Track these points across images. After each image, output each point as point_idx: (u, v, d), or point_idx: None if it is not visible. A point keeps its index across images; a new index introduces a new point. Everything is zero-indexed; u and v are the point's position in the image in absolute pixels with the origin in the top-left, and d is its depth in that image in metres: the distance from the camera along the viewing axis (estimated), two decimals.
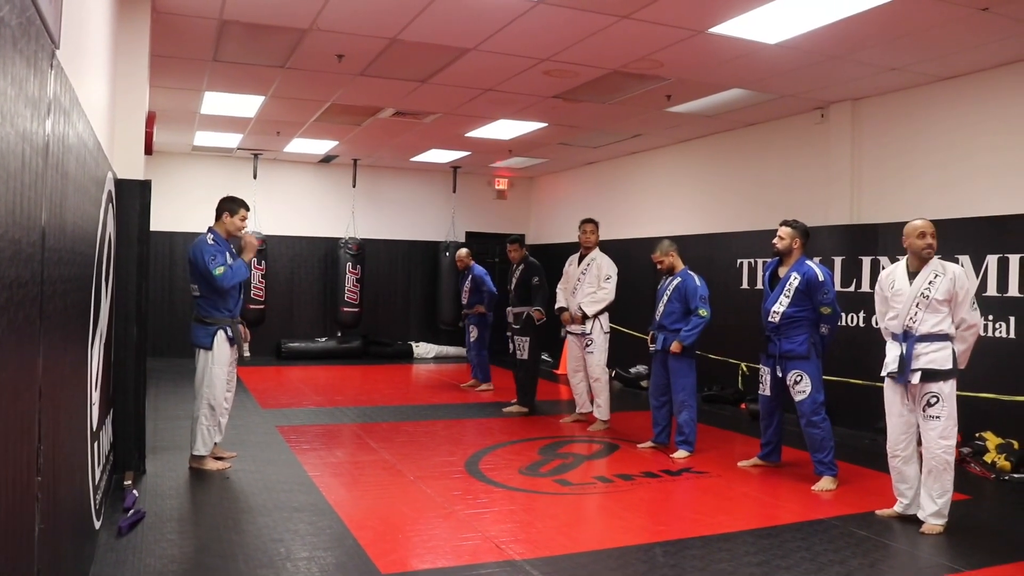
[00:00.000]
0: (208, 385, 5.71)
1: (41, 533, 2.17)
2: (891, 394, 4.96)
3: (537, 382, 8.61)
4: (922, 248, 4.84)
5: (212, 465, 5.74)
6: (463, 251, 10.33)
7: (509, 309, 8.57)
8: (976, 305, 4.80)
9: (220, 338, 5.73)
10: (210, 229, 5.83)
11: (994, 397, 6.48)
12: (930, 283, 4.77)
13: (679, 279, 6.73)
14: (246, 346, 6.00)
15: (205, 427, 5.72)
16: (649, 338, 6.89)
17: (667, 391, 6.77)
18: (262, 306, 12.14)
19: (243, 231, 5.96)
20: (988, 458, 6.23)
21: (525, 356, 8.40)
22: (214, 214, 5.93)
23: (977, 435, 6.43)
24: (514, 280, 8.56)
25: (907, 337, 4.85)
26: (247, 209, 5.97)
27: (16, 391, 1.77)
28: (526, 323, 8.34)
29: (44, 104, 2.06)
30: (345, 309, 13.01)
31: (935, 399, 4.73)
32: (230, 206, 5.90)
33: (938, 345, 4.75)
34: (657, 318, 6.80)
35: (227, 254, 5.74)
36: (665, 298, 6.76)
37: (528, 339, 8.33)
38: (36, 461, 2.10)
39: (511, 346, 8.62)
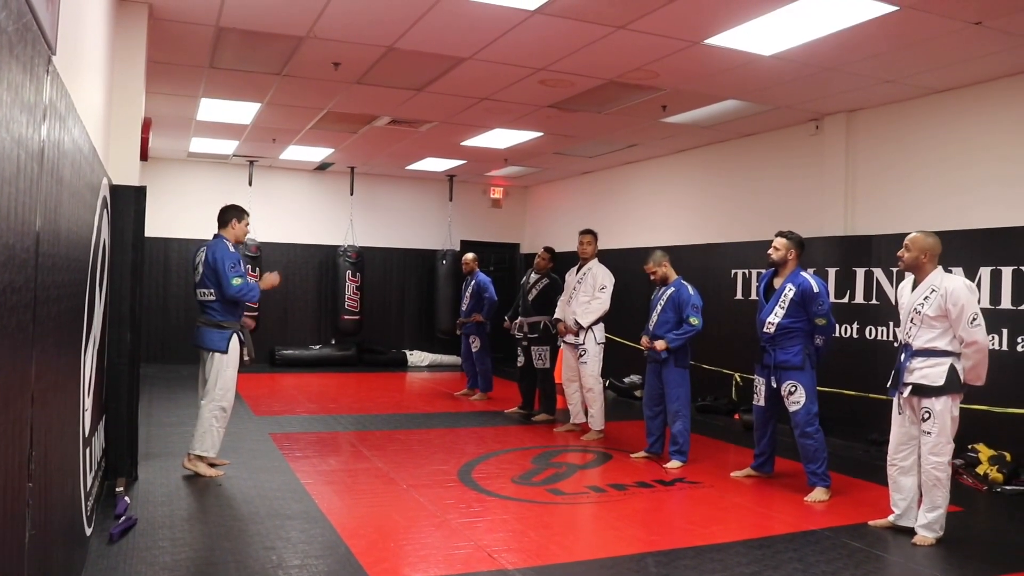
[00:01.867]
0: (222, 388, 5.77)
1: (32, 539, 2.16)
2: (894, 404, 4.98)
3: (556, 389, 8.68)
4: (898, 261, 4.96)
5: (206, 471, 5.73)
6: (469, 255, 10.32)
7: (522, 319, 8.57)
8: (979, 322, 4.66)
9: (235, 342, 5.81)
10: (220, 236, 5.89)
11: (987, 409, 6.49)
12: (925, 298, 4.77)
13: (672, 289, 6.74)
14: (248, 350, 6.04)
15: (217, 428, 5.78)
16: (642, 341, 6.87)
17: (661, 401, 6.77)
18: (256, 313, 12.10)
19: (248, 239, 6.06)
20: (981, 470, 6.24)
21: (547, 365, 8.43)
22: (217, 222, 6.00)
23: (970, 447, 6.44)
24: (534, 291, 8.57)
25: (905, 350, 4.87)
26: (248, 215, 6.14)
27: (8, 396, 1.77)
28: (544, 332, 8.37)
29: (40, 110, 2.06)
30: (346, 317, 13.00)
31: (927, 415, 4.72)
32: (238, 213, 6.04)
33: (933, 361, 4.73)
34: (651, 327, 6.81)
35: (241, 262, 5.84)
36: (659, 308, 6.77)
37: (548, 348, 8.37)
38: (27, 467, 2.10)
39: (522, 356, 8.62)
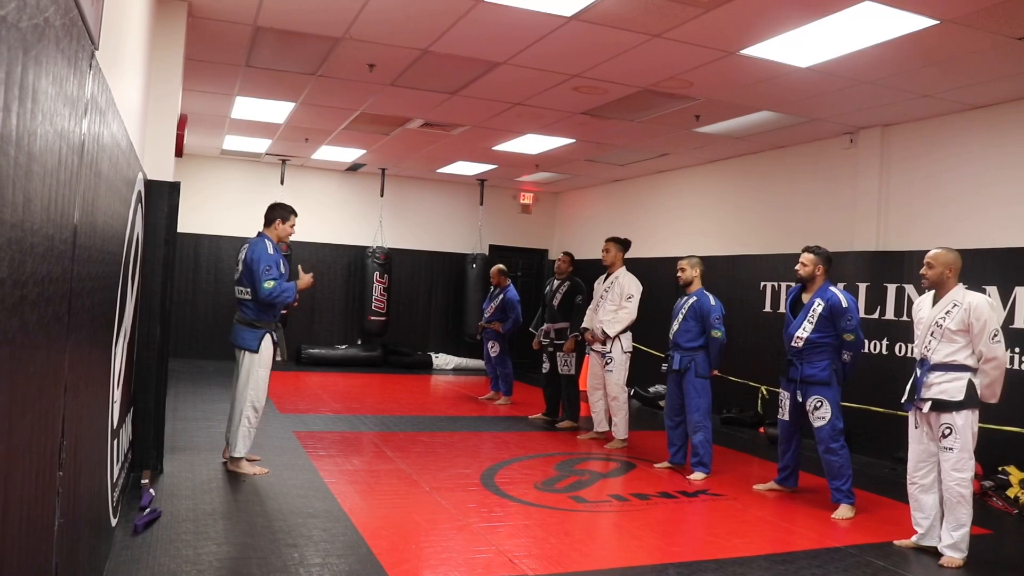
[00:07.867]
0: (253, 388, 5.77)
1: (60, 527, 2.19)
2: (910, 419, 4.95)
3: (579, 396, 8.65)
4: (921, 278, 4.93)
5: (248, 469, 5.77)
6: (496, 268, 10.30)
7: (549, 325, 8.55)
8: (999, 338, 4.64)
9: (267, 342, 5.82)
10: (262, 235, 5.91)
11: (1018, 431, 6.39)
12: (947, 312, 4.74)
13: (694, 298, 6.71)
14: (281, 350, 6.05)
15: (248, 428, 5.79)
16: (664, 358, 6.88)
17: (682, 411, 6.74)
18: (284, 311, 12.16)
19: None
20: (1011, 492, 6.14)
21: (572, 371, 8.40)
22: (264, 219, 6.01)
23: (1000, 469, 6.34)
24: (558, 296, 8.55)
25: (922, 364, 4.84)
26: (296, 216, 6.09)
27: (43, 386, 1.79)
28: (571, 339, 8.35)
29: (82, 104, 2.09)
30: (372, 318, 13.04)
31: (948, 430, 4.68)
32: (282, 213, 6.01)
33: (951, 376, 4.70)
34: (672, 336, 6.78)
35: (281, 264, 5.82)
36: (680, 316, 6.75)
37: (574, 354, 8.33)
38: (58, 456, 2.12)
39: (547, 363, 8.61)
